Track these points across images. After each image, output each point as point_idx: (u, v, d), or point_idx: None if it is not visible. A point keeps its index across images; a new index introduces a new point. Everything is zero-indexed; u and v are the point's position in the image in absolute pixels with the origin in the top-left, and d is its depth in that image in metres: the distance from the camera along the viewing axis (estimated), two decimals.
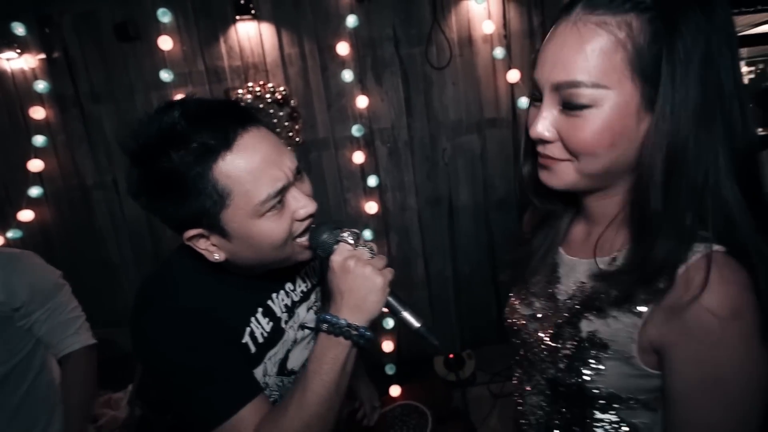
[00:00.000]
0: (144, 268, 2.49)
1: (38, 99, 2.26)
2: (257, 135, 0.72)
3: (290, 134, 2.36)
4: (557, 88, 0.58)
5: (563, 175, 0.63)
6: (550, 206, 0.75)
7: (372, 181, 2.40)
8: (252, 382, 0.80)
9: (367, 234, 2.40)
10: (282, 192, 0.72)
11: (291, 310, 0.93)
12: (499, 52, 2.27)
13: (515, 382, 0.80)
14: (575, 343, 0.64)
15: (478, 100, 2.41)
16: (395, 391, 2.47)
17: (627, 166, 0.60)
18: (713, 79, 0.53)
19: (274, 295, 0.90)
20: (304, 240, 0.78)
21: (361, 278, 0.71)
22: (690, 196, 0.55)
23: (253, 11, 2.22)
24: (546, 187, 0.66)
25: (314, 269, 1.04)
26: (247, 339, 0.83)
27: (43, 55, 2.27)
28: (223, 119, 0.70)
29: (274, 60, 2.32)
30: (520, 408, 0.78)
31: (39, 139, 2.24)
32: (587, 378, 0.63)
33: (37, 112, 2.25)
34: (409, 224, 2.54)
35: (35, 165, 2.26)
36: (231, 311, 0.81)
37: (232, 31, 2.28)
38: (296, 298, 0.95)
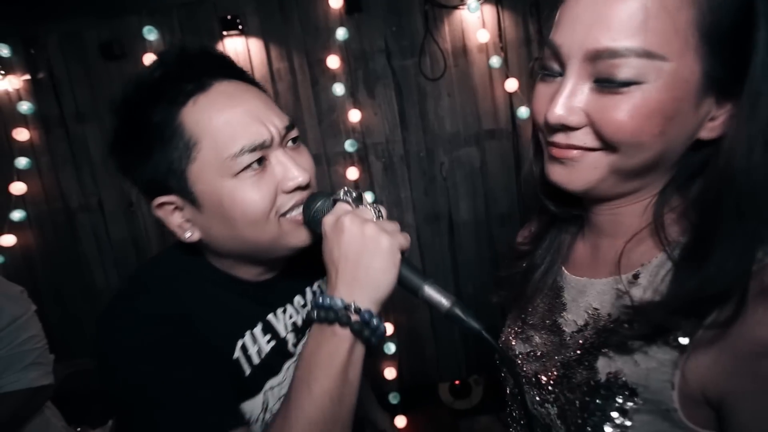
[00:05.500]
0: None
1: (22, 120, 2.19)
2: (240, 86, 0.64)
3: None
4: (593, 57, 0.45)
5: (589, 170, 0.49)
6: (563, 212, 0.61)
7: (367, 197, 2.29)
8: (229, 411, 0.61)
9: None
10: (262, 149, 0.61)
11: (301, 330, 0.76)
12: (495, 61, 2.18)
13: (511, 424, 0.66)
14: (590, 389, 0.50)
15: (476, 111, 2.30)
16: (400, 421, 2.31)
17: (669, 162, 0.48)
18: None
19: (279, 310, 0.74)
20: (296, 215, 0.64)
21: (359, 238, 0.54)
22: None
23: (240, 26, 2.16)
24: (556, 191, 0.53)
25: None
26: (238, 354, 0.66)
27: (27, 76, 2.21)
28: (202, 65, 0.63)
29: (263, 75, 2.25)
30: None
31: (22, 161, 2.16)
32: None
33: (21, 134, 2.18)
34: None
35: (18, 188, 2.18)
36: (217, 320, 0.65)
37: (219, 47, 2.21)
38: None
